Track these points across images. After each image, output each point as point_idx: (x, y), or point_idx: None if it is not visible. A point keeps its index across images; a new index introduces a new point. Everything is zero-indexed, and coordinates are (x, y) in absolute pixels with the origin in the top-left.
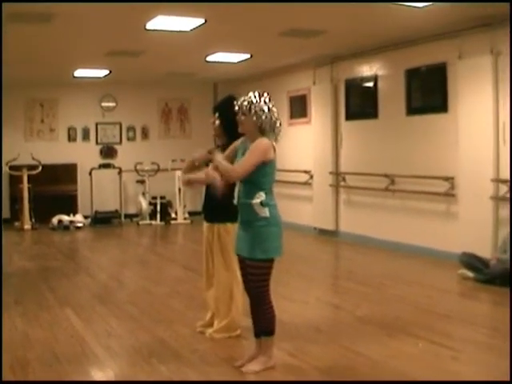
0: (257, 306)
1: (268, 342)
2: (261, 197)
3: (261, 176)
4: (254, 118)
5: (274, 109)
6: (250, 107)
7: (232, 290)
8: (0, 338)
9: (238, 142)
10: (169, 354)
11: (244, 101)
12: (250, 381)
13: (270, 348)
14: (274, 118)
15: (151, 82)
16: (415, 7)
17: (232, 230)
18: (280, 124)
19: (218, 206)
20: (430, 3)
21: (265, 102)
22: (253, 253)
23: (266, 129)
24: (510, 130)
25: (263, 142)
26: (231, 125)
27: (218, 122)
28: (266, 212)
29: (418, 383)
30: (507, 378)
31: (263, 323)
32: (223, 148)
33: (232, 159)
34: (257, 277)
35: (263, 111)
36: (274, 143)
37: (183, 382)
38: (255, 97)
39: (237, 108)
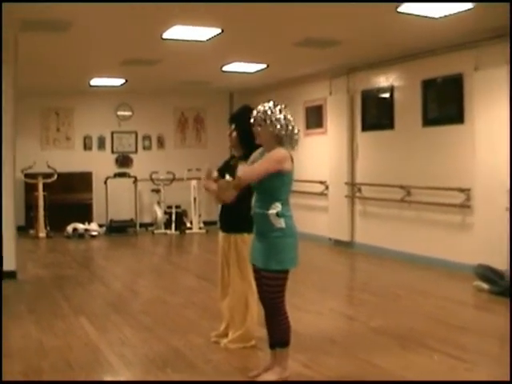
0: (272, 317)
1: (283, 353)
2: (277, 207)
3: (277, 186)
4: (271, 129)
5: (290, 117)
6: (265, 118)
7: (247, 300)
8: (0, 339)
9: (257, 153)
10: (183, 363)
11: (259, 111)
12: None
13: (286, 359)
14: (290, 127)
15: (167, 91)
16: (432, 18)
17: (248, 240)
18: (298, 132)
19: (235, 216)
20: (447, 14)
21: (280, 111)
22: (268, 264)
23: (283, 138)
24: (509, 142)
25: (280, 152)
26: (248, 135)
27: (234, 133)
28: (281, 223)
29: (415, 383)
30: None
31: (278, 334)
32: (240, 159)
33: None
34: (272, 288)
35: (279, 121)
36: (292, 152)
37: (187, 382)
38: (270, 107)
39: (252, 119)
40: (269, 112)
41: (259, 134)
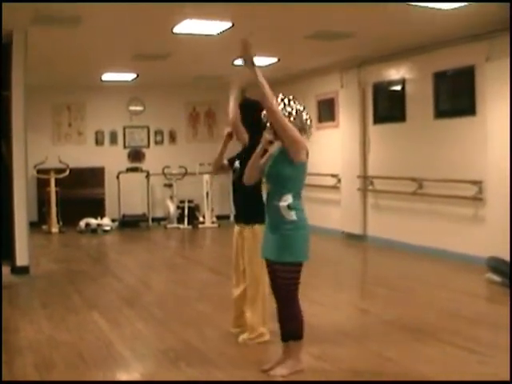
0: (285, 310)
1: (296, 347)
2: (288, 199)
3: (290, 176)
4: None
5: (300, 107)
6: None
7: (258, 287)
8: (0, 337)
9: (272, 149)
10: (196, 357)
11: None
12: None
13: (299, 352)
14: (304, 118)
15: (179, 85)
16: (442, 10)
17: (260, 231)
18: (311, 121)
19: (250, 207)
20: (457, 6)
21: (289, 103)
22: (281, 256)
23: (298, 128)
24: (510, 137)
25: (301, 137)
26: (252, 122)
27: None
28: (292, 215)
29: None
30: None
31: (292, 328)
32: (247, 149)
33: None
34: (287, 280)
35: (291, 113)
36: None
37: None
38: (283, 100)
39: (265, 117)
40: (283, 106)
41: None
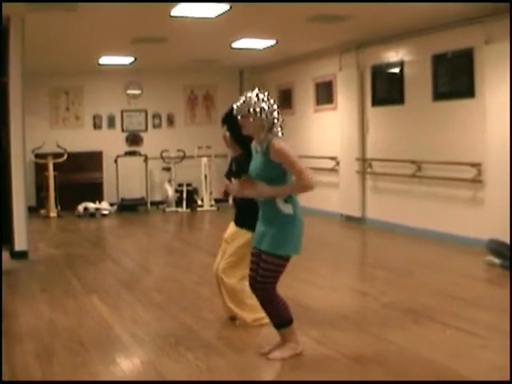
0: (266, 303)
1: (290, 332)
2: None
3: (280, 175)
4: (256, 119)
5: (275, 105)
6: (249, 108)
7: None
8: (0, 337)
9: (253, 145)
10: (196, 341)
11: (242, 103)
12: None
13: (294, 335)
14: (275, 115)
15: (176, 69)
16: None
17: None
18: (282, 120)
19: (249, 214)
20: None
21: (263, 100)
22: (273, 247)
23: (270, 127)
24: (509, 118)
25: (280, 143)
26: (242, 134)
27: (227, 133)
28: (289, 209)
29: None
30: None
31: (278, 317)
32: (238, 159)
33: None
34: (269, 272)
35: (263, 110)
36: (301, 128)
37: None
38: (252, 97)
39: (236, 111)
40: (252, 102)
41: (245, 125)
